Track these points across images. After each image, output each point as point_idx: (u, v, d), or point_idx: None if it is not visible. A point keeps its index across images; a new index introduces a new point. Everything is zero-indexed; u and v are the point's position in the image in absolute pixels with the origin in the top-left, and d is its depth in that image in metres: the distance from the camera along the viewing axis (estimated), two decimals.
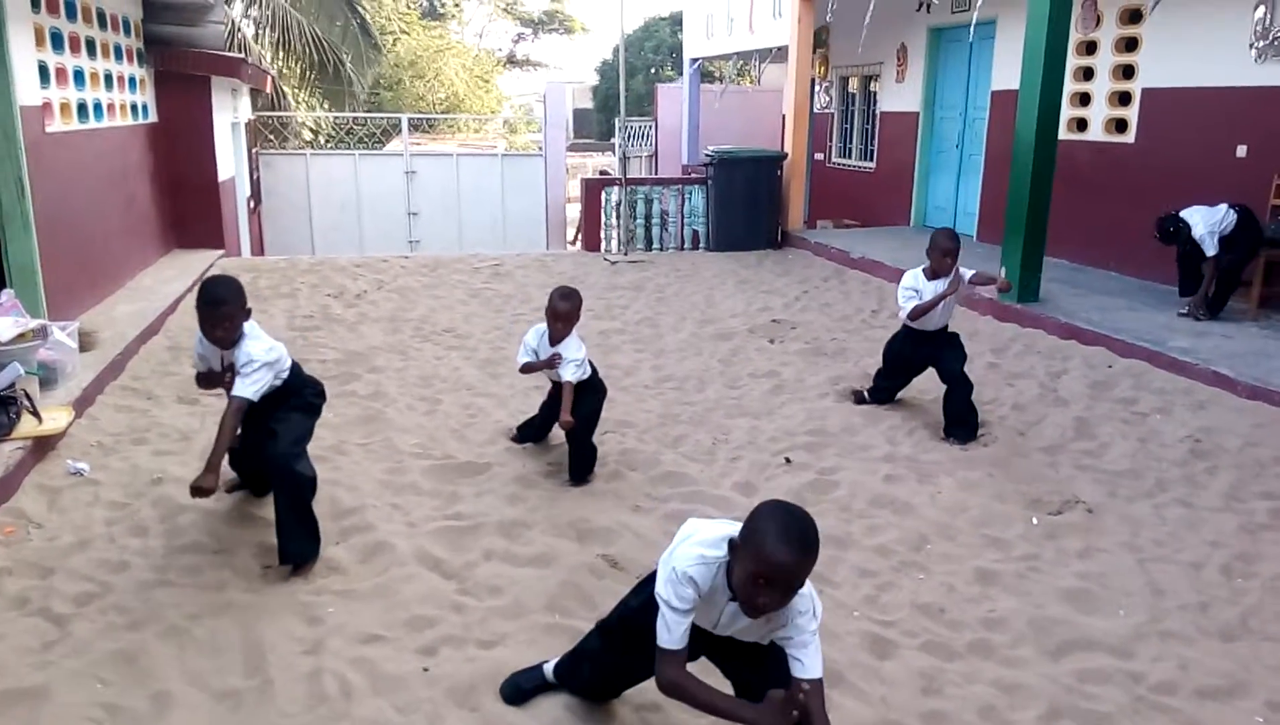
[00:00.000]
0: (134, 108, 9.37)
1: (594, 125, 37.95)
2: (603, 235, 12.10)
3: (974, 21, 8.85)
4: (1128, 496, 4.59)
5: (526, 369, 4.86)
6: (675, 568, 2.33)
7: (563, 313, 4.61)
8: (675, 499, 4.44)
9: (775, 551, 2.13)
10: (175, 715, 2.89)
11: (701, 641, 2.51)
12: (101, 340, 6.47)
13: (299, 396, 4.08)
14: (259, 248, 14.45)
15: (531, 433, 5.21)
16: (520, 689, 2.97)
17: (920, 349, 5.68)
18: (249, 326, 3.81)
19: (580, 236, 12.76)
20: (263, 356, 3.76)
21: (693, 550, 2.35)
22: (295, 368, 4.08)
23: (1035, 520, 4.33)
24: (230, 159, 11.89)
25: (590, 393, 4.79)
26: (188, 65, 10.02)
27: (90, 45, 8.08)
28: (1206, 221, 7.11)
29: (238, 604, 3.52)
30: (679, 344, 7.43)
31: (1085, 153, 9.50)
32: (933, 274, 5.50)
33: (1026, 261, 7.89)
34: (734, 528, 2.33)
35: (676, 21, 32.48)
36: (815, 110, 14.56)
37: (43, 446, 4.84)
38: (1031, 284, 7.96)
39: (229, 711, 2.93)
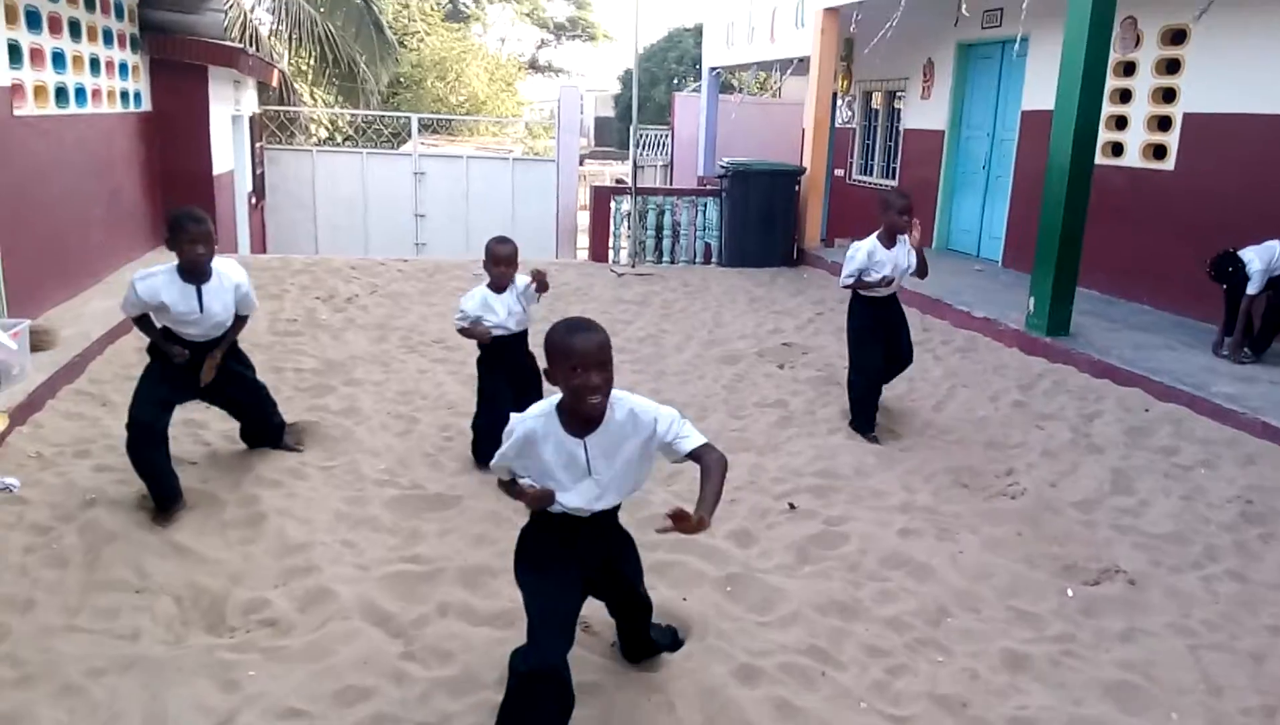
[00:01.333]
0: (124, 95, 8.98)
1: (614, 134, 37.56)
2: (611, 245, 11.65)
3: (1017, 37, 8.34)
4: (1173, 566, 4.07)
5: (466, 333, 4.63)
6: (511, 423, 2.60)
7: (505, 256, 4.56)
8: (663, 547, 3.93)
9: (573, 339, 2.45)
10: None
11: (591, 576, 2.79)
12: (63, 338, 6.04)
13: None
14: (260, 245, 14.05)
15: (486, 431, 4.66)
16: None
17: (882, 317, 5.56)
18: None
19: (590, 245, 12.30)
20: (243, 274, 4.23)
21: (527, 413, 2.62)
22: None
23: (1070, 592, 3.81)
24: (229, 152, 11.50)
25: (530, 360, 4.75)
26: (184, 53, 9.63)
27: (75, 27, 7.68)
28: (1262, 258, 6.60)
29: (149, 659, 3.05)
30: (682, 366, 6.94)
31: (1120, 179, 8.97)
32: (889, 240, 5.35)
33: (1057, 292, 7.37)
34: (546, 405, 2.61)
35: (700, 32, 32.10)
36: (836, 125, 14.06)
37: None
38: (1062, 316, 7.44)
39: None
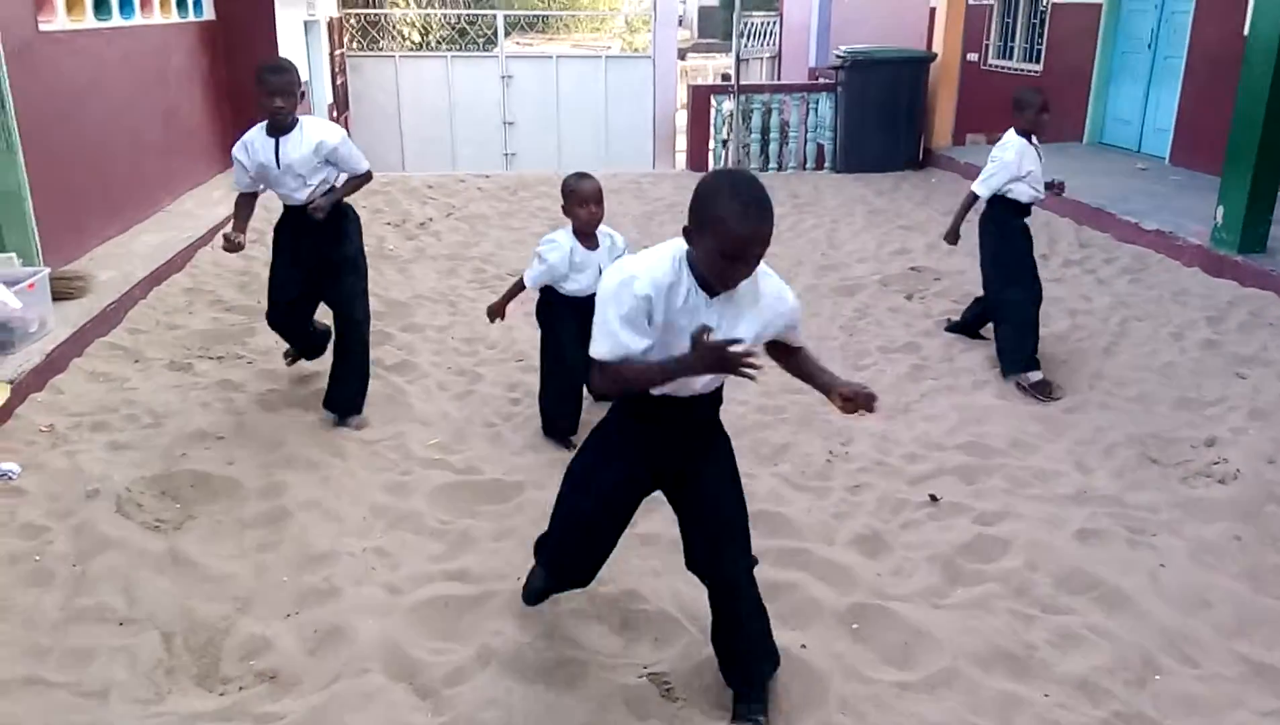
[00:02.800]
0: (181, 3, 8.27)
1: (719, 25, 35.53)
2: (712, 151, 10.55)
3: None
4: None
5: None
6: (625, 273, 2.09)
7: (591, 193, 3.77)
8: (769, 558, 3.08)
9: (740, 225, 1.98)
10: None
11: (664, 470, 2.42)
12: (99, 283, 5.47)
13: (352, 227, 4.17)
14: None
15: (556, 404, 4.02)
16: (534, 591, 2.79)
17: (1029, 236, 4.77)
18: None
19: (688, 153, 11.23)
20: (338, 135, 3.96)
21: (645, 257, 2.15)
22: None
23: None
24: (302, 62, 10.77)
25: None
26: None
27: None
28: None
29: None
30: None
31: None
32: (1027, 137, 4.63)
33: (1255, 200, 6.04)
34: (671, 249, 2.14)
35: None
36: (970, 2, 12.41)
37: None
38: (1259, 229, 6.12)
39: None
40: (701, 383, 2.23)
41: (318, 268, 4.09)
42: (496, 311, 4.09)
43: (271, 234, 4.24)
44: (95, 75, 6.48)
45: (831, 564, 3.11)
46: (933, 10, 14.37)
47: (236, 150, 3.98)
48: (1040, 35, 11.28)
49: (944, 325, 5.39)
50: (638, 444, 2.37)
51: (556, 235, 3.90)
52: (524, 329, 5.31)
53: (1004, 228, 4.71)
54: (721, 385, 2.36)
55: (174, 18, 8.09)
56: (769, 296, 2.24)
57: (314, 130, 3.94)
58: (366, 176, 4.16)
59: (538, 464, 3.80)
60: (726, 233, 1.98)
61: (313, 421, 4.15)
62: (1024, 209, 4.70)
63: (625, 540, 2.65)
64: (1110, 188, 8.14)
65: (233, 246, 3.95)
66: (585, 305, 3.69)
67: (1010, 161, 4.55)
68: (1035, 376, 4.53)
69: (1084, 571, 3.08)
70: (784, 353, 2.48)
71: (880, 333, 5.36)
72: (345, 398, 4.16)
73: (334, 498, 3.53)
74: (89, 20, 6.46)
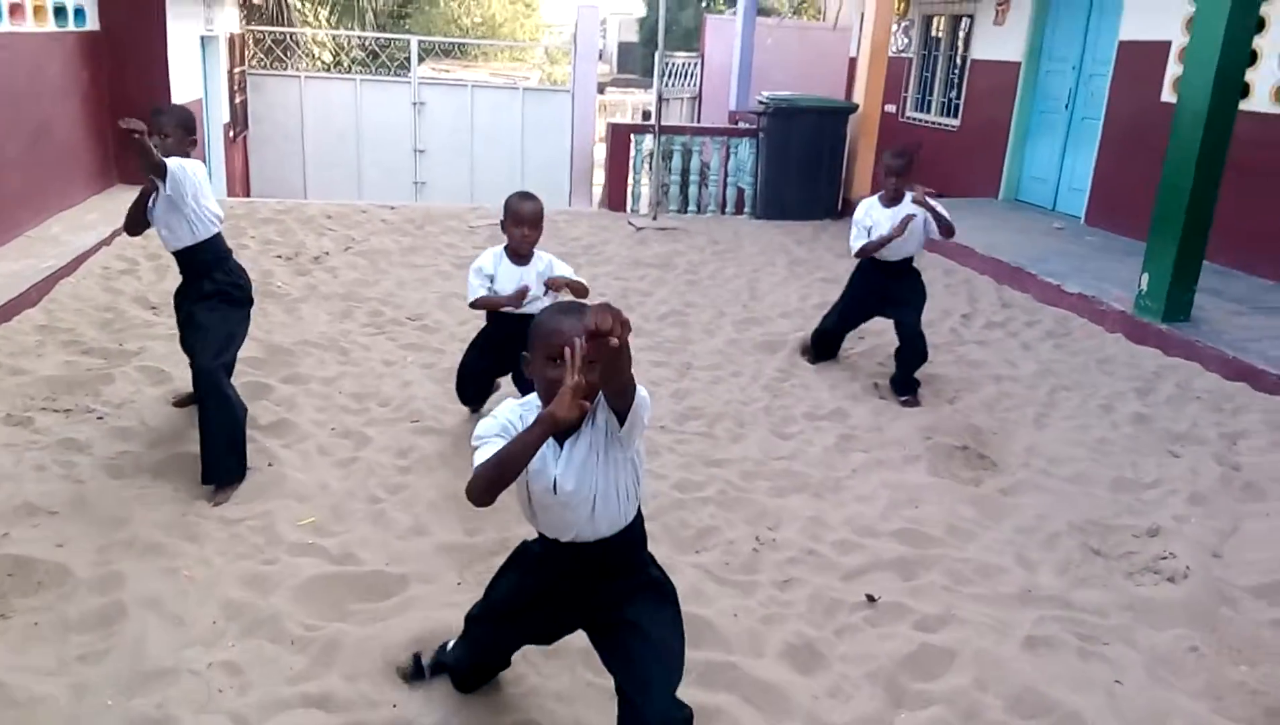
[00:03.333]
0: (59, 11, 7.59)
1: (638, 60, 35.63)
2: (630, 191, 10.23)
3: None
4: None
5: (482, 304, 3.92)
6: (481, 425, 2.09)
7: (529, 215, 3.78)
8: (692, 674, 2.64)
9: (560, 322, 2.01)
10: None
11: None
12: None
13: (224, 277, 3.89)
14: (243, 184, 12.72)
15: (473, 391, 4.26)
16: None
17: (883, 284, 5.17)
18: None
19: (605, 191, 10.89)
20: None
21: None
22: (220, 238, 3.91)
23: None
24: (196, 78, 10.11)
25: None
26: None
27: None
28: None
29: None
30: (712, 353, 5.63)
31: (1248, 127, 7.43)
32: (888, 200, 5.03)
33: (1180, 268, 5.95)
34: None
35: None
36: (889, 54, 12.46)
37: None
38: (1183, 298, 6.03)
39: None
40: (600, 522, 2.12)
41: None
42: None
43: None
44: None
45: (762, 684, 2.71)
46: (852, 60, 14.45)
47: None
48: (959, 90, 11.33)
49: (875, 390, 5.14)
50: (551, 579, 2.27)
51: (487, 253, 3.99)
52: (423, 385, 4.84)
53: (852, 277, 5.44)
54: (635, 522, 2.20)
55: (50, 27, 7.40)
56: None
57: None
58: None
59: (425, 552, 3.32)
60: (546, 331, 2.03)
61: (166, 493, 3.60)
62: (867, 266, 5.24)
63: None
64: (1028, 246, 8.09)
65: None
66: (516, 334, 3.48)
67: (856, 218, 5.14)
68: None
69: (1037, 691, 2.76)
70: None
71: (806, 396, 5.05)
72: (210, 463, 3.62)
73: (180, 594, 2.99)
74: None
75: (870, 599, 3.19)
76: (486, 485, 2.00)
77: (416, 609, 2.96)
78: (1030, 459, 4.40)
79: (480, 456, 2.03)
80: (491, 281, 3.88)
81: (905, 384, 5.05)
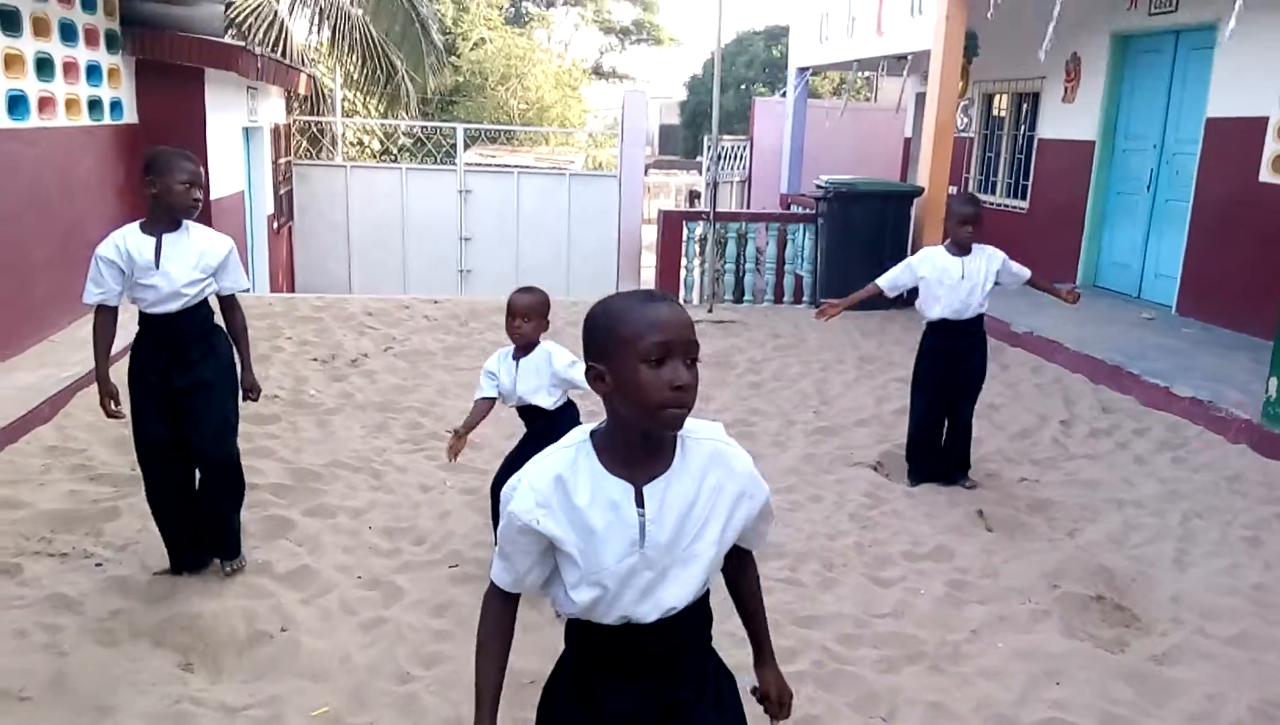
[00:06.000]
0: (94, 104, 7.37)
1: (680, 143, 35.76)
2: (683, 280, 9.76)
3: (1231, 21, 6.13)
4: None
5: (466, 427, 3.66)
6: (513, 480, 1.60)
7: (519, 307, 3.51)
8: None
9: (649, 310, 1.52)
10: None
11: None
12: None
13: (222, 349, 3.60)
14: (287, 275, 12.48)
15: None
16: None
17: (952, 351, 4.74)
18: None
19: (656, 280, 10.44)
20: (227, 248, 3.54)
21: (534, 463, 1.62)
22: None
23: None
24: (238, 170, 9.90)
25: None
26: (167, 52, 7.99)
27: (9, 18, 6.05)
28: None
29: None
30: (785, 473, 5.01)
31: None
32: (956, 249, 4.64)
33: None
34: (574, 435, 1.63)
35: (772, 35, 30.08)
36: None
37: None
38: None
39: None
40: (668, 599, 1.60)
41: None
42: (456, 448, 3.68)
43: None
44: None
45: None
46: (908, 141, 14.04)
47: (103, 247, 3.44)
48: (1026, 172, 10.78)
49: (981, 519, 4.48)
50: (596, 702, 1.70)
51: (502, 349, 3.73)
52: (463, 517, 4.27)
53: (921, 345, 4.91)
54: (704, 596, 1.68)
55: (83, 120, 7.16)
56: (717, 462, 1.61)
57: (200, 233, 3.56)
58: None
59: None
60: (637, 324, 1.51)
61: (161, 670, 3.03)
62: (938, 327, 4.74)
63: None
64: (1121, 339, 7.41)
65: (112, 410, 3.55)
66: (528, 416, 3.66)
67: (911, 261, 4.75)
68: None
69: None
70: (732, 560, 1.74)
71: (900, 527, 4.40)
72: (222, 538, 3.60)
73: None
74: None
75: None
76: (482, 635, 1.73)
77: None
78: (1180, 613, 3.69)
79: (498, 566, 1.67)
80: (496, 379, 3.64)
81: (965, 464, 4.88)
